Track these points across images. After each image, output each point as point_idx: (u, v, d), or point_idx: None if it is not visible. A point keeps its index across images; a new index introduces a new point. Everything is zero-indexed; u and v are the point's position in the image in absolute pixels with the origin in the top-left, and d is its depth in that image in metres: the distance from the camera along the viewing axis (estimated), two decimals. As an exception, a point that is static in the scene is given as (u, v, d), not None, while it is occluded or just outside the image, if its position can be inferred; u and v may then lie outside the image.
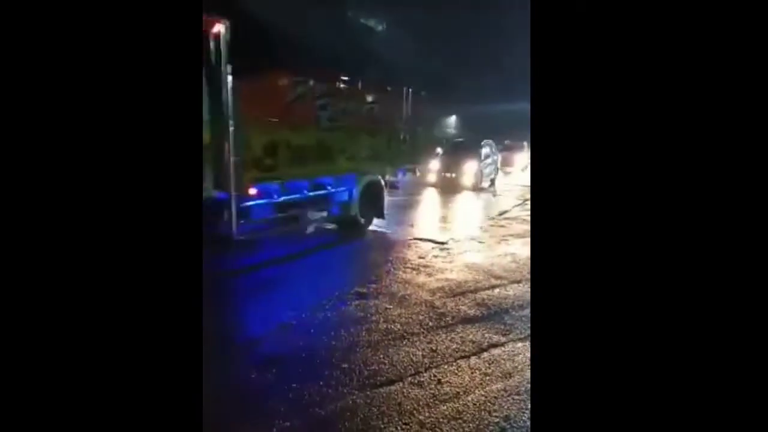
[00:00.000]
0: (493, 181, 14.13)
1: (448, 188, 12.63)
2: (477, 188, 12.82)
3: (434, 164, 13.03)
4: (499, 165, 15.07)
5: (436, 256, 6.08)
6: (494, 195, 12.59)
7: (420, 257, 6.02)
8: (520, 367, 3.25)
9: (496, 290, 4.83)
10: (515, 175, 18.60)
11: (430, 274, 5.29)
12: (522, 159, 20.23)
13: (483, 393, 2.92)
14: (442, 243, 6.80)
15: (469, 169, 12.74)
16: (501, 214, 9.67)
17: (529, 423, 2.60)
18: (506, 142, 20.86)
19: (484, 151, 13.54)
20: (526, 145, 21.24)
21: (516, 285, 5.02)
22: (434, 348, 3.48)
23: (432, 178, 12.97)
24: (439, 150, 14.24)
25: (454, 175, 12.80)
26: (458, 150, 13.60)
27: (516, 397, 2.89)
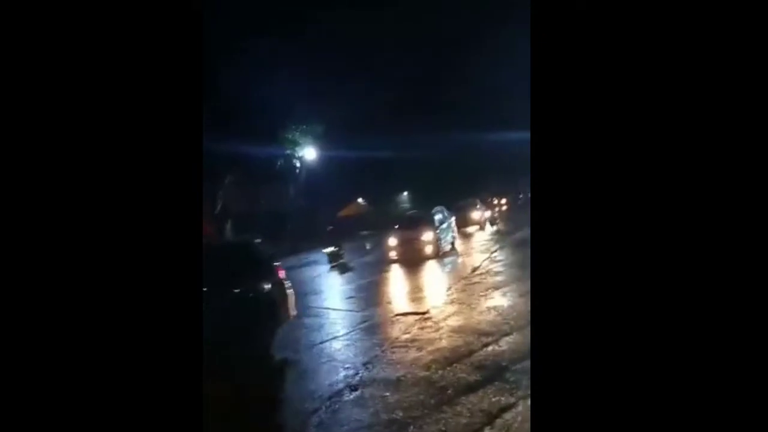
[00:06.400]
0: (453, 244, 13.90)
1: (411, 261, 12.00)
2: (439, 254, 12.43)
3: (392, 240, 12.67)
4: (454, 227, 14.80)
5: (422, 328, 5.87)
6: (458, 256, 12.46)
7: (405, 333, 5.80)
8: (537, 425, 3.03)
9: (490, 348, 4.65)
10: (476, 234, 18.49)
11: (420, 348, 5.06)
12: (477, 216, 20.11)
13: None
14: (424, 313, 6.62)
15: (426, 238, 12.35)
16: (473, 271, 9.64)
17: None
18: (459, 203, 20.64)
19: (437, 217, 13.33)
20: (479, 201, 21.25)
21: (507, 338, 4.86)
22: (443, 428, 3.23)
23: (392, 253, 12.56)
24: (396, 226, 13.71)
25: (413, 246, 12.34)
26: (412, 222, 13.40)
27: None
